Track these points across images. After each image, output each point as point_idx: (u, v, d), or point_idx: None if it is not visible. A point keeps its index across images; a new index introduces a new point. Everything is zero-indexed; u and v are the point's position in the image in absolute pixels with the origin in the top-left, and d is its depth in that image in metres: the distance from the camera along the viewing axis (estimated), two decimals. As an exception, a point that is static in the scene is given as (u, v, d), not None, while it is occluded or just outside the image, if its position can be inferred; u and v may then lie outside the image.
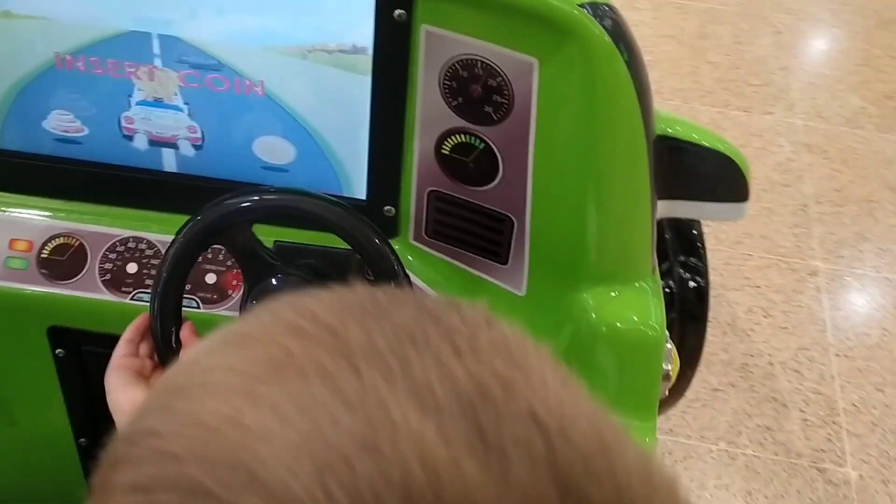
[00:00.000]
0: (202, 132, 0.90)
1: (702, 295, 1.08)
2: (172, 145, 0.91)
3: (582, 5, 0.71)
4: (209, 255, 0.94)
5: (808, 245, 2.17)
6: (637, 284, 0.87)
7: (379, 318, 0.29)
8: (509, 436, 0.26)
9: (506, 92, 0.78)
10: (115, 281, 0.93)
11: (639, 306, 0.86)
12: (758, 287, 2.05)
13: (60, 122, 0.91)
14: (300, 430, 0.25)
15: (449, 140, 0.84)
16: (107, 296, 0.92)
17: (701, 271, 1.08)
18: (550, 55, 0.74)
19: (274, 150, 0.91)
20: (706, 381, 1.83)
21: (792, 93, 2.65)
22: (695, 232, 1.10)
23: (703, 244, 1.11)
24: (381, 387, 0.26)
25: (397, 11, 0.79)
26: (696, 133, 0.89)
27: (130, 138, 0.91)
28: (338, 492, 0.24)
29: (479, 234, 0.89)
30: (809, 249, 2.16)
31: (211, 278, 0.93)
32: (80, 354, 0.97)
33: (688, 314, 1.07)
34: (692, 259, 1.08)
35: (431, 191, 0.88)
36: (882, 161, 2.43)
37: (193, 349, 0.32)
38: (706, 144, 0.88)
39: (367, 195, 0.92)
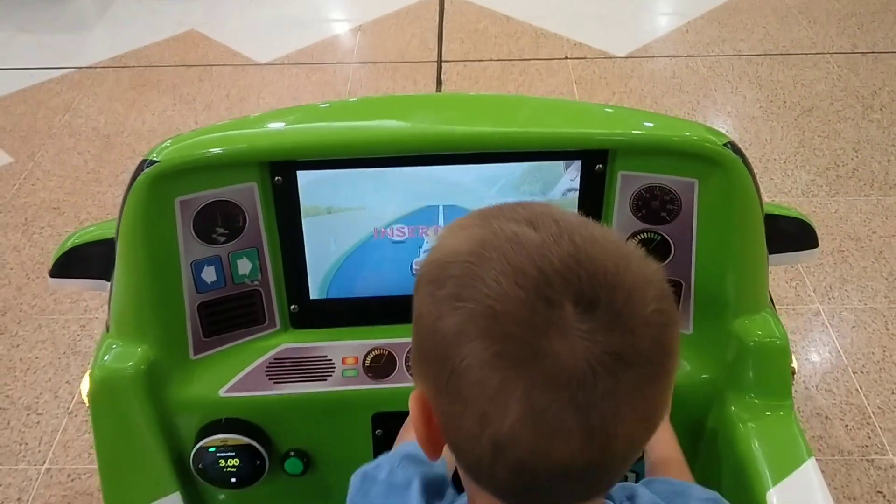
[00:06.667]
0: (465, 263, 1.35)
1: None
2: (445, 275, 1.36)
3: (725, 144, 1.20)
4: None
5: (805, 293, 2.69)
6: (763, 313, 1.34)
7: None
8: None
9: (676, 202, 1.26)
10: (418, 373, 1.35)
11: (769, 326, 1.32)
12: (778, 332, 2.54)
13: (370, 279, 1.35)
14: None
15: (635, 238, 1.31)
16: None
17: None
18: (706, 177, 1.23)
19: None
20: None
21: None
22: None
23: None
24: None
25: (598, 166, 1.27)
26: (778, 209, 1.39)
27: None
28: None
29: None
30: (807, 296, 2.68)
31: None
32: (392, 433, 1.38)
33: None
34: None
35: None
36: (839, 219, 2.99)
37: None
38: (787, 214, 1.38)
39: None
